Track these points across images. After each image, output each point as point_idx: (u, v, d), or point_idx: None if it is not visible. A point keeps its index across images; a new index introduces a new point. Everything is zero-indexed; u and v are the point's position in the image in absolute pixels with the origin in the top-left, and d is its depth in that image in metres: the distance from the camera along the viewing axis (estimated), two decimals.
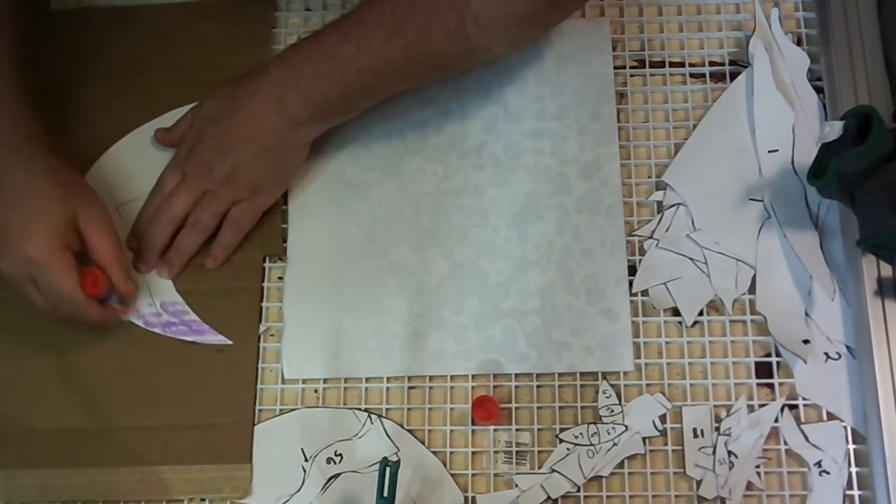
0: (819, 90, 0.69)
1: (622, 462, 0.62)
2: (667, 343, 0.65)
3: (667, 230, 0.67)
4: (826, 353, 0.63)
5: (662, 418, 0.63)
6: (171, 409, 0.65)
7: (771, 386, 0.63)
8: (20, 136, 0.62)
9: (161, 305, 0.67)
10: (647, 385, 0.64)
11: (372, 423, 0.64)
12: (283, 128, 0.63)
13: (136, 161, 0.71)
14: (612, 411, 0.63)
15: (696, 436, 0.62)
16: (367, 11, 0.62)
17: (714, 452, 0.62)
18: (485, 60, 0.65)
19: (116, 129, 0.72)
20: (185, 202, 0.66)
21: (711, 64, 0.71)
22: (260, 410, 0.65)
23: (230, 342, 0.66)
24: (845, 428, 0.62)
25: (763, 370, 0.64)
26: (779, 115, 0.68)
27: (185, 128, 0.68)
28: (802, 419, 0.62)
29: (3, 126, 0.62)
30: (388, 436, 0.64)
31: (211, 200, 0.65)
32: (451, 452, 0.63)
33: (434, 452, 0.63)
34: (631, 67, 0.72)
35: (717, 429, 0.62)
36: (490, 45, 0.62)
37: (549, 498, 0.62)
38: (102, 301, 0.64)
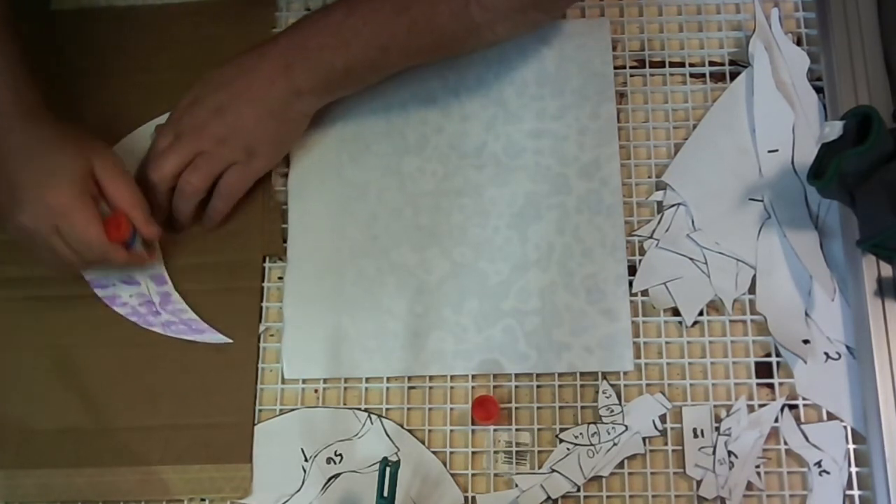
0: (819, 90, 0.69)
1: (622, 462, 0.62)
2: (667, 343, 0.65)
3: (667, 230, 0.67)
4: (826, 353, 0.63)
5: (662, 418, 0.63)
6: (171, 409, 0.65)
7: (771, 386, 0.63)
8: (24, 104, 0.62)
9: (159, 301, 0.67)
10: (647, 385, 0.64)
11: (372, 423, 0.64)
12: (288, 94, 0.64)
13: (137, 161, 0.71)
14: (612, 411, 0.63)
15: (696, 436, 0.62)
16: None
17: (714, 452, 0.62)
18: (489, 41, 0.66)
19: (116, 130, 0.72)
20: (175, 162, 0.64)
21: (711, 64, 0.71)
22: (260, 410, 0.65)
23: (230, 340, 0.66)
24: (845, 428, 0.62)
25: (763, 370, 0.64)
26: (779, 115, 0.68)
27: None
28: (802, 419, 0.62)
29: (5, 95, 0.61)
30: (388, 436, 0.64)
31: (204, 161, 0.64)
32: (451, 452, 0.63)
33: (434, 452, 0.63)
34: (631, 67, 0.72)
35: (717, 429, 0.62)
36: (494, 26, 0.63)
37: (549, 498, 0.62)
38: (127, 246, 0.64)
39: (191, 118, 0.64)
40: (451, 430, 0.64)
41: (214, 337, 0.66)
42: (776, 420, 0.62)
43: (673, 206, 0.67)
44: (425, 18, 0.62)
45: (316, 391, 0.66)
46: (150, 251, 0.67)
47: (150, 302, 0.68)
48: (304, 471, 0.63)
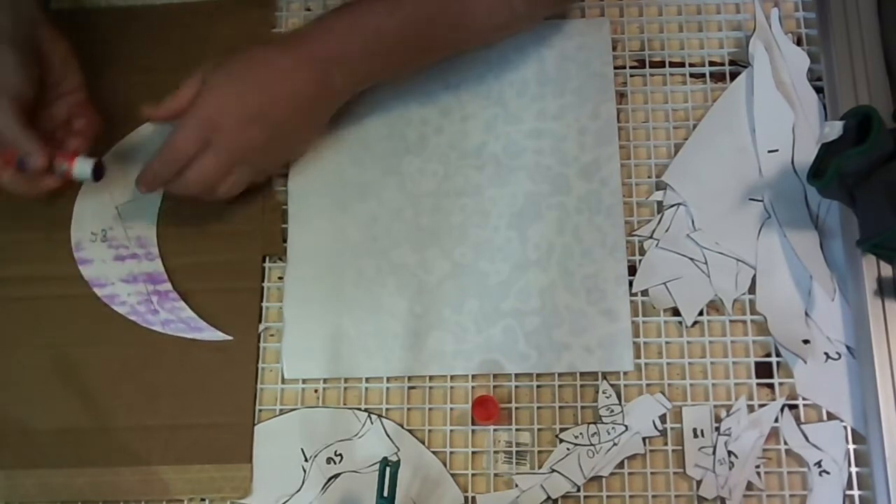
0: (819, 90, 0.69)
1: (622, 462, 0.62)
2: (667, 343, 0.65)
3: (667, 230, 0.67)
4: (826, 353, 0.63)
5: (662, 418, 0.63)
6: (171, 409, 0.65)
7: (771, 386, 0.63)
8: None
9: (157, 299, 0.67)
10: (647, 385, 0.64)
11: (372, 423, 0.64)
12: (328, 102, 0.64)
13: (136, 161, 0.71)
14: (612, 411, 0.63)
15: (696, 436, 0.62)
16: None
17: (714, 452, 0.62)
18: (525, 29, 0.68)
19: (116, 129, 0.72)
20: (216, 174, 0.62)
21: (711, 64, 0.71)
22: (260, 410, 0.65)
23: (230, 337, 0.66)
24: (845, 428, 0.62)
25: (763, 370, 0.64)
26: (779, 115, 0.68)
27: (190, 94, 0.62)
28: (802, 419, 0.62)
29: None
30: (388, 436, 0.64)
31: (243, 171, 0.63)
32: (451, 452, 0.63)
33: (434, 452, 0.63)
34: (631, 67, 0.72)
35: (717, 429, 0.62)
36: (533, 14, 0.65)
37: (549, 498, 0.62)
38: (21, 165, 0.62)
39: (228, 119, 0.60)
40: (451, 430, 0.64)
41: (213, 334, 0.66)
42: (776, 420, 0.62)
43: (673, 206, 0.67)
44: (468, 13, 0.63)
45: (316, 391, 0.66)
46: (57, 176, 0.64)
47: (149, 300, 0.68)
48: (304, 471, 0.63)
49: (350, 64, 0.62)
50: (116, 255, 0.69)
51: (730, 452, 0.61)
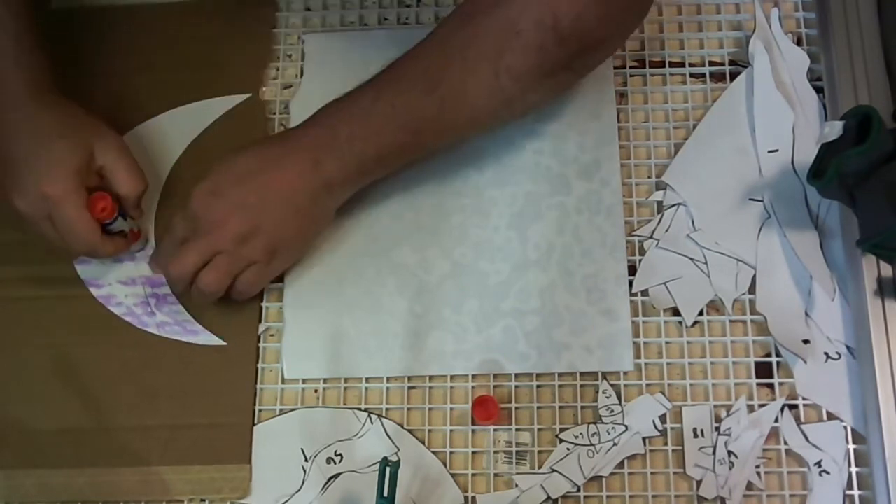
0: (819, 90, 0.69)
1: (622, 462, 0.62)
2: (667, 343, 0.65)
3: (667, 230, 0.67)
4: (826, 353, 0.63)
5: (662, 418, 0.63)
6: (170, 410, 0.65)
7: (771, 386, 0.63)
8: (30, 82, 0.62)
9: (156, 302, 0.67)
10: (647, 385, 0.64)
11: (372, 423, 0.64)
12: (317, 190, 0.61)
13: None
14: (612, 411, 0.63)
15: (696, 436, 0.62)
16: (399, 69, 0.61)
17: (714, 452, 0.62)
18: (522, 112, 0.64)
19: (116, 129, 0.72)
20: (194, 260, 0.61)
21: (711, 64, 0.71)
22: (260, 410, 0.65)
23: (224, 343, 0.66)
24: (845, 428, 0.62)
25: (763, 370, 0.64)
26: (779, 115, 0.68)
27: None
28: (802, 419, 0.62)
29: (11, 73, 0.62)
30: (388, 436, 0.64)
31: (224, 261, 0.61)
32: (451, 452, 0.63)
33: (434, 452, 0.63)
34: (631, 67, 0.72)
35: (717, 429, 0.62)
36: (525, 95, 0.61)
37: (549, 498, 0.62)
38: (108, 225, 0.64)
39: (211, 212, 0.61)
40: (451, 430, 0.64)
41: (209, 338, 0.66)
42: (776, 420, 0.62)
43: (673, 206, 0.67)
44: (455, 95, 0.59)
45: (316, 391, 0.66)
46: (133, 238, 0.67)
47: (146, 302, 0.68)
48: (304, 471, 0.63)
49: (338, 146, 0.60)
50: (115, 257, 0.69)
51: (730, 452, 0.61)
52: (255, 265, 0.62)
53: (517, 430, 0.63)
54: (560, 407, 0.64)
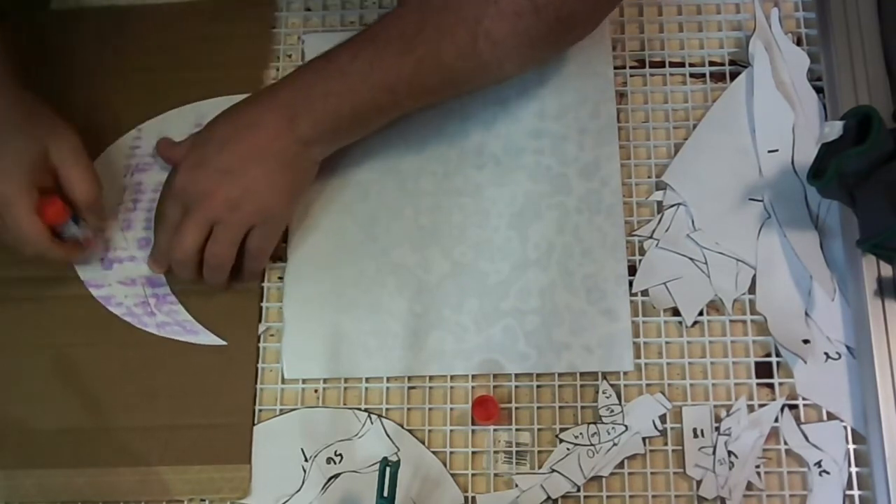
0: (819, 90, 0.69)
1: (622, 462, 0.62)
2: (667, 343, 0.65)
3: (667, 230, 0.67)
4: (826, 353, 0.63)
5: (662, 418, 0.63)
6: (170, 410, 0.65)
7: (771, 386, 0.63)
8: None
9: (155, 302, 0.67)
10: (647, 385, 0.64)
11: (372, 423, 0.64)
12: (296, 146, 0.62)
13: (130, 164, 0.71)
14: (612, 411, 0.63)
15: (696, 436, 0.62)
16: (377, 30, 0.61)
17: (714, 452, 0.61)
18: (497, 79, 0.65)
19: (116, 129, 0.72)
20: (194, 237, 0.62)
21: (711, 64, 0.71)
22: (260, 410, 0.65)
23: (224, 342, 0.66)
24: (845, 428, 0.62)
25: (763, 370, 0.64)
26: (779, 115, 0.68)
27: (185, 150, 0.64)
28: (802, 419, 0.62)
29: None
30: (388, 436, 0.64)
31: (223, 230, 0.62)
32: (451, 452, 0.63)
33: (434, 452, 0.63)
34: (631, 67, 0.72)
35: (717, 429, 0.62)
36: (502, 63, 0.61)
37: (549, 498, 0.62)
38: (60, 231, 0.63)
39: (197, 185, 0.62)
40: (451, 430, 0.64)
41: (209, 338, 0.66)
42: (776, 420, 0.62)
43: (673, 206, 0.67)
44: (432, 57, 0.60)
45: (316, 391, 0.66)
46: (88, 241, 0.66)
47: (146, 303, 0.68)
48: (304, 471, 0.63)
49: (312, 103, 0.61)
50: (115, 257, 0.69)
51: (730, 452, 0.61)
52: (256, 228, 0.63)
53: (517, 430, 0.63)
54: (560, 407, 0.64)
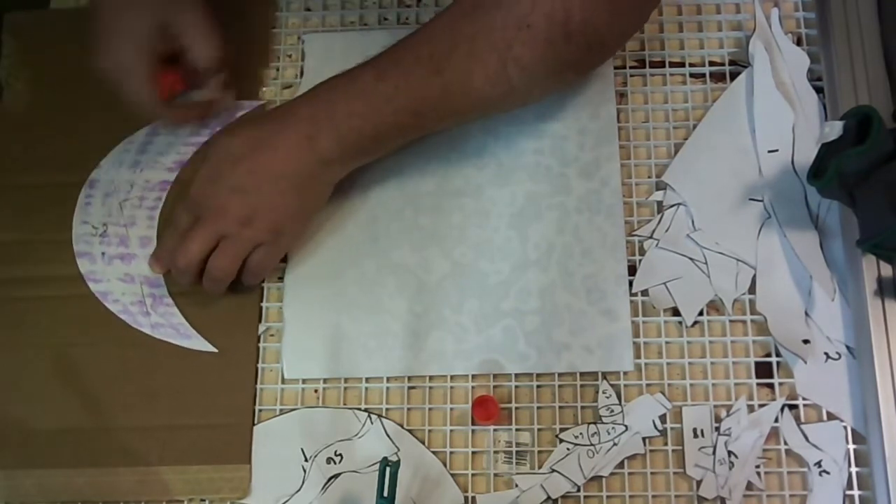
0: (819, 90, 0.69)
1: (622, 462, 0.62)
2: (667, 343, 0.65)
3: (667, 230, 0.67)
4: (826, 353, 0.63)
5: (662, 418, 0.63)
6: (169, 410, 0.65)
7: (771, 386, 0.63)
8: None
9: (152, 302, 0.67)
10: (647, 385, 0.64)
11: (372, 423, 0.64)
12: (313, 166, 0.61)
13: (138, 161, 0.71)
14: (612, 411, 0.63)
15: (696, 436, 0.62)
16: (403, 51, 0.61)
17: (714, 452, 0.61)
18: (523, 103, 0.65)
19: (116, 129, 0.72)
20: (200, 248, 0.62)
21: (711, 64, 0.71)
22: (260, 410, 0.65)
23: (216, 350, 0.66)
24: (845, 428, 0.62)
25: (763, 370, 0.64)
26: (779, 115, 0.68)
27: (199, 160, 0.65)
28: (802, 419, 0.62)
29: None
30: (388, 436, 0.64)
31: (229, 245, 0.62)
32: (451, 452, 0.63)
33: (434, 452, 0.63)
34: (631, 67, 0.72)
35: (717, 429, 0.62)
36: (531, 88, 0.61)
37: (549, 498, 0.62)
38: (174, 99, 0.65)
39: (211, 198, 0.61)
40: (451, 430, 0.64)
41: (201, 344, 0.66)
42: (776, 420, 0.62)
43: (673, 206, 0.67)
44: (460, 82, 0.59)
45: (316, 391, 0.66)
46: (215, 101, 0.68)
47: (142, 302, 0.68)
48: (304, 471, 0.63)
49: (335, 122, 0.60)
50: (116, 254, 0.69)
51: (730, 452, 0.61)
52: (263, 246, 0.63)
53: (517, 430, 0.63)
54: (560, 407, 0.64)
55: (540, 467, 0.62)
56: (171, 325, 0.67)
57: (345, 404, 0.65)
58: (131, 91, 0.64)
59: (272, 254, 0.64)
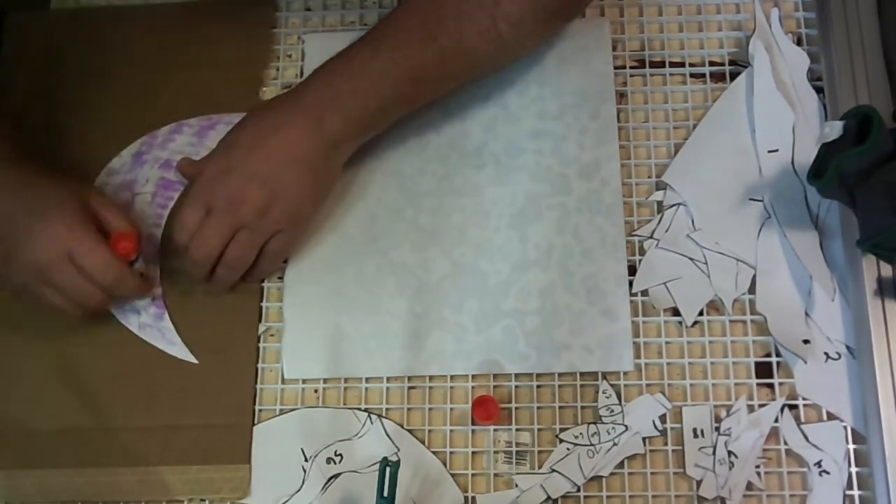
0: (819, 90, 0.69)
1: (622, 462, 0.62)
2: (667, 343, 0.65)
3: (667, 230, 0.67)
4: (826, 353, 0.63)
5: (662, 418, 0.63)
6: (169, 410, 0.65)
7: (771, 386, 0.63)
8: (6, 150, 0.63)
9: (145, 303, 0.67)
10: (647, 385, 0.64)
11: (372, 423, 0.64)
12: (325, 148, 0.62)
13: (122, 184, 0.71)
14: (612, 411, 0.63)
15: (696, 436, 0.62)
16: (394, 24, 0.62)
17: (714, 452, 0.61)
18: (517, 56, 0.67)
19: (117, 129, 0.72)
20: (218, 241, 0.62)
21: (711, 64, 0.71)
22: (260, 410, 0.65)
23: (196, 361, 0.66)
24: (845, 428, 0.62)
25: (763, 370, 0.64)
26: (779, 115, 0.68)
27: (204, 164, 0.63)
28: (802, 419, 0.62)
29: None
30: (388, 436, 0.64)
31: (248, 236, 0.62)
32: (451, 452, 0.63)
33: (434, 452, 0.63)
34: (631, 67, 0.72)
35: (717, 429, 0.62)
36: (523, 41, 0.64)
37: (549, 498, 0.62)
38: (131, 264, 0.63)
39: (225, 189, 0.61)
40: (451, 430, 0.64)
41: (182, 352, 0.66)
42: (776, 420, 0.62)
43: (673, 206, 0.67)
44: (454, 44, 0.62)
45: (316, 391, 0.66)
46: (151, 280, 0.67)
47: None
48: (304, 471, 0.63)
49: (340, 103, 0.61)
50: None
51: (730, 452, 0.61)
52: (280, 233, 0.63)
53: (517, 430, 0.63)
54: (560, 407, 0.64)
55: (540, 467, 0.62)
56: (157, 328, 0.67)
57: (345, 404, 0.65)
58: (90, 259, 0.60)
59: (289, 241, 0.65)
